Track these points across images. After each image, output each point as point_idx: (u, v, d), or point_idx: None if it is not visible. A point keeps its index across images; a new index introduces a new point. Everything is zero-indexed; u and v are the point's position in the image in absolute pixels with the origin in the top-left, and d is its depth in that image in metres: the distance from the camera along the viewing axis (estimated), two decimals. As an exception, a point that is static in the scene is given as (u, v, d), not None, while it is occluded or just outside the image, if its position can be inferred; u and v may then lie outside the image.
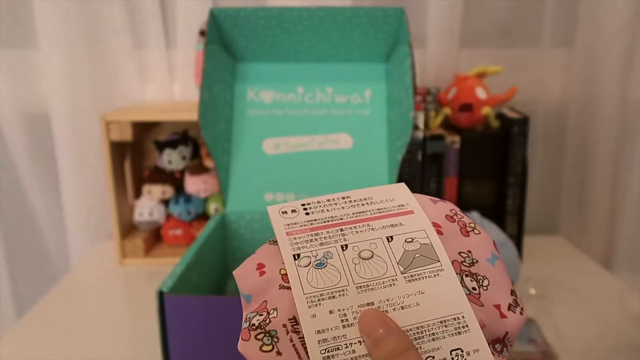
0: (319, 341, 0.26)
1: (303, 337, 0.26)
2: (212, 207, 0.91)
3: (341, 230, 0.30)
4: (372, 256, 0.29)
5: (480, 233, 0.31)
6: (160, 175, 0.92)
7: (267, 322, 0.27)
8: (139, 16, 0.95)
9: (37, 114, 0.99)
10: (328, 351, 0.25)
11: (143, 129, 0.90)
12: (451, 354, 0.26)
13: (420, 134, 0.86)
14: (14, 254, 1.07)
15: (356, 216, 0.31)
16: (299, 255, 0.29)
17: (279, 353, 0.26)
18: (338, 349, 0.26)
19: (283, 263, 0.28)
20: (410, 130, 0.67)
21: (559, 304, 0.72)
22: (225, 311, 0.47)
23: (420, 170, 0.86)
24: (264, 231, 0.74)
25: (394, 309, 0.27)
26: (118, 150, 0.86)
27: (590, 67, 0.97)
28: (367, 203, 0.32)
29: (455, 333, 0.26)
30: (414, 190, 0.34)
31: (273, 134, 0.77)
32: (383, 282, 0.28)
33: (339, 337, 0.26)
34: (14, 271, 1.08)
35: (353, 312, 0.27)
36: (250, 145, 0.76)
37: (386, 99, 0.77)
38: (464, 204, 0.89)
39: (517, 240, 0.88)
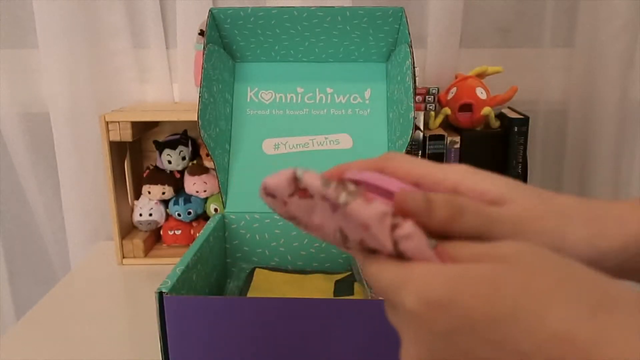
0: None
1: None
2: (212, 207, 0.91)
3: None
4: None
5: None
6: (160, 176, 0.92)
7: None
8: (139, 16, 0.95)
9: (37, 113, 0.99)
10: None
11: (143, 129, 0.90)
12: None
13: (420, 134, 0.86)
14: (14, 254, 1.07)
15: None
16: None
17: None
18: None
19: None
20: (410, 130, 0.67)
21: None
22: (225, 311, 0.47)
23: (420, 170, 0.86)
24: (264, 231, 0.74)
25: None
26: (118, 150, 0.86)
27: (590, 67, 0.97)
28: None
29: None
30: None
31: (273, 134, 0.76)
32: None
33: None
34: (13, 271, 1.08)
35: None
36: (250, 146, 0.76)
37: (386, 99, 0.77)
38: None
39: (517, 240, 0.88)
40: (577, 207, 0.29)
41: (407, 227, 0.25)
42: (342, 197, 0.25)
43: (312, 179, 0.26)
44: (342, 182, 0.26)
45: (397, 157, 0.30)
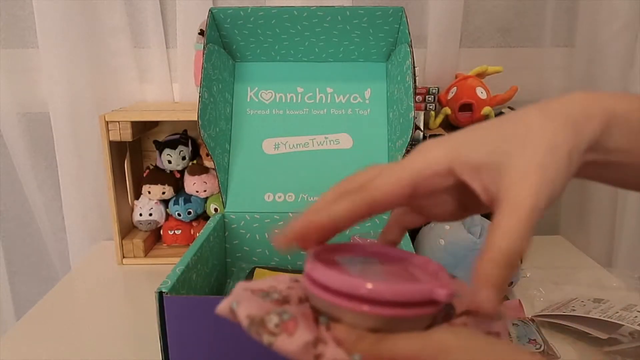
0: None
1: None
2: (212, 207, 0.91)
3: None
4: None
5: None
6: (160, 175, 0.92)
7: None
8: (139, 16, 0.95)
9: (37, 113, 0.99)
10: None
11: (143, 129, 0.90)
12: None
13: (420, 134, 0.86)
14: (14, 254, 1.07)
15: None
16: None
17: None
18: None
19: None
20: (410, 130, 0.67)
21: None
22: (225, 311, 0.47)
23: (420, 170, 0.86)
24: (264, 231, 0.74)
25: None
26: (118, 150, 0.86)
27: (590, 67, 0.97)
28: None
29: None
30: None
31: (273, 134, 0.77)
32: None
33: None
34: (13, 271, 1.08)
35: None
36: (250, 145, 0.76)
37: (386, 98, 0.77)
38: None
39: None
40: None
41: (329, 354, 0.26)
42: (266, 339, 0.26)
43: (241, 317, 0.27)
44: (262, 319, 0.27)
45: (374, 181, 0.31)
